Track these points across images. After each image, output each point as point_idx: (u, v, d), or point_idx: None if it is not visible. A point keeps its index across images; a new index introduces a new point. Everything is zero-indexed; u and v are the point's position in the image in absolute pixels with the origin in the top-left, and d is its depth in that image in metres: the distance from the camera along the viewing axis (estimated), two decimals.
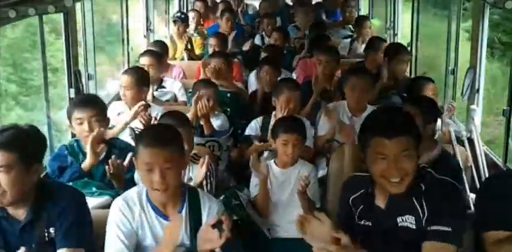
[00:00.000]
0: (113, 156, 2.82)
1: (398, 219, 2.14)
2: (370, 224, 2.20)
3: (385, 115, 2.21)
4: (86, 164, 2.88)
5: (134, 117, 3.54)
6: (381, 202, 2.19)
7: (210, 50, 5.43)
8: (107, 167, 2.79)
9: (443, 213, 2.07)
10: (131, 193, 2.29)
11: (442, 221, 2.05)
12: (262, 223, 3.00)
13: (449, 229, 2.04)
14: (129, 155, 2.83)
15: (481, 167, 3.50)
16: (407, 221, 2.13)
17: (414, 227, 2.11)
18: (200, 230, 2.10)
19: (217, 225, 1.99)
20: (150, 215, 2.24)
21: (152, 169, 2.11)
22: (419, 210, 2.10)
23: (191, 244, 2.22)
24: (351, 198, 2.26)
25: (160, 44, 5.36)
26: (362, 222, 2.22)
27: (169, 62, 5.39)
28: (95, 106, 2.97)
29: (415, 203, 2.11)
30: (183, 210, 2.25)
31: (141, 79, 3.81)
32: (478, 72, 3.93)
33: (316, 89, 4.31)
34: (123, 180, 2.89)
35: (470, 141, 3.69)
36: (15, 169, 2.07)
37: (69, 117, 2.99)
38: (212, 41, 5.54)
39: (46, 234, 2.19)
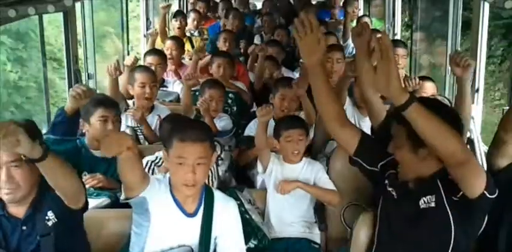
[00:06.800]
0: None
1: (421, 201, 2.12)
2: (395, 196, 2.20)
3: None
4: (68, 107, 2.89)
5: None
6: (405, 176, 2.19)
7: (221, 45, 5.40)
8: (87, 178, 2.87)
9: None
10: (160, 180, 2.28)
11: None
12: (263, 223, 3.00)
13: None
14: None
15: None
16: (428, 201, 2.11)
17: (433, 205, 2.09)
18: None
19: None
20: (171, 208, 2.23)
21: (184, 163, 2.13)
22: (441, 189, 2.08)
23: (200, 246, 2.23)
24: (380, 163, 2.26)
25: (178, 38, 5.37)
26: (389, 189, 2.21)
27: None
28: (117, 107, 3.13)
29: (438, 182, 2.09)
30: (201, 208, 2.26)
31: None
32: (478, 72, 3.93)
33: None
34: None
35: (470, 141, 3.69)
36: (26, 162, 2.10)
37: (88, 113, 3.01)
38: (224, 35, 5.49)
39: (46, 222, 2.17)
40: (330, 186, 3.01)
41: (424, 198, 2.12)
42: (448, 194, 2.06)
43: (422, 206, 2.12)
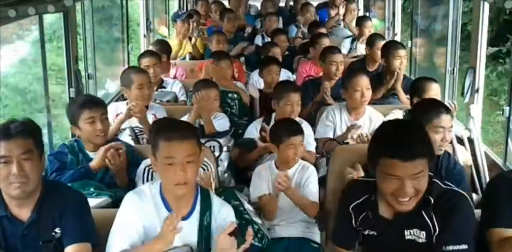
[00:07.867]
0: (110, 146, 2.90)
1: (406, 232, 2.10)
2: (376, 234, 2.16)
3: (399, 133, 2.02)
4: (94, 165, 2.91)
5: (129, 115, 3.58)
6: (385, 212, 2.14)
7: (214, 47, 5.40)
8: (106, 160, 2.86)
9: (456, 229, 2.03)
10: (144, 188, 2.28)
11: (457, 238, 2.02)
12: (262, 223, 3.00)
13: (466, 247, 2.01)
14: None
15: (481, 167, 3.50)
16: (415, 234, 2.09)
17: (423, 240, 2.08)
18: (217, 237, 2.11)
19: (236, 233, 2.03)
20: (161, 212, 2.22)
21: (173, 163, 2.11)
22: (430, 225, 2.06)
23: (199, 246, 2.22)
24: (351, 206, 2.19)
25: (163, 43, 5.35)
26: (366, 232, 2.18)
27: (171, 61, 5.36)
28: (103, 105, 3.10)
29: (425, 217, 2.06)
30: (195, 211, 2.24)
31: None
32: (478, 72, 3.93)
33: (324, 89, 4.31)
34: (125, 176, 2.92)
35: (470, 141, 3.69)
36: (35, 154, 2.14)
37: (75, 118, 2.99)
38: (216, 36, 5.50)
39: (52, 234, 2.19)
40: (313, 196, 3.00)
41: (410, 230, 2.09)
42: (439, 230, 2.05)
43: (407, 237, 2.10)
